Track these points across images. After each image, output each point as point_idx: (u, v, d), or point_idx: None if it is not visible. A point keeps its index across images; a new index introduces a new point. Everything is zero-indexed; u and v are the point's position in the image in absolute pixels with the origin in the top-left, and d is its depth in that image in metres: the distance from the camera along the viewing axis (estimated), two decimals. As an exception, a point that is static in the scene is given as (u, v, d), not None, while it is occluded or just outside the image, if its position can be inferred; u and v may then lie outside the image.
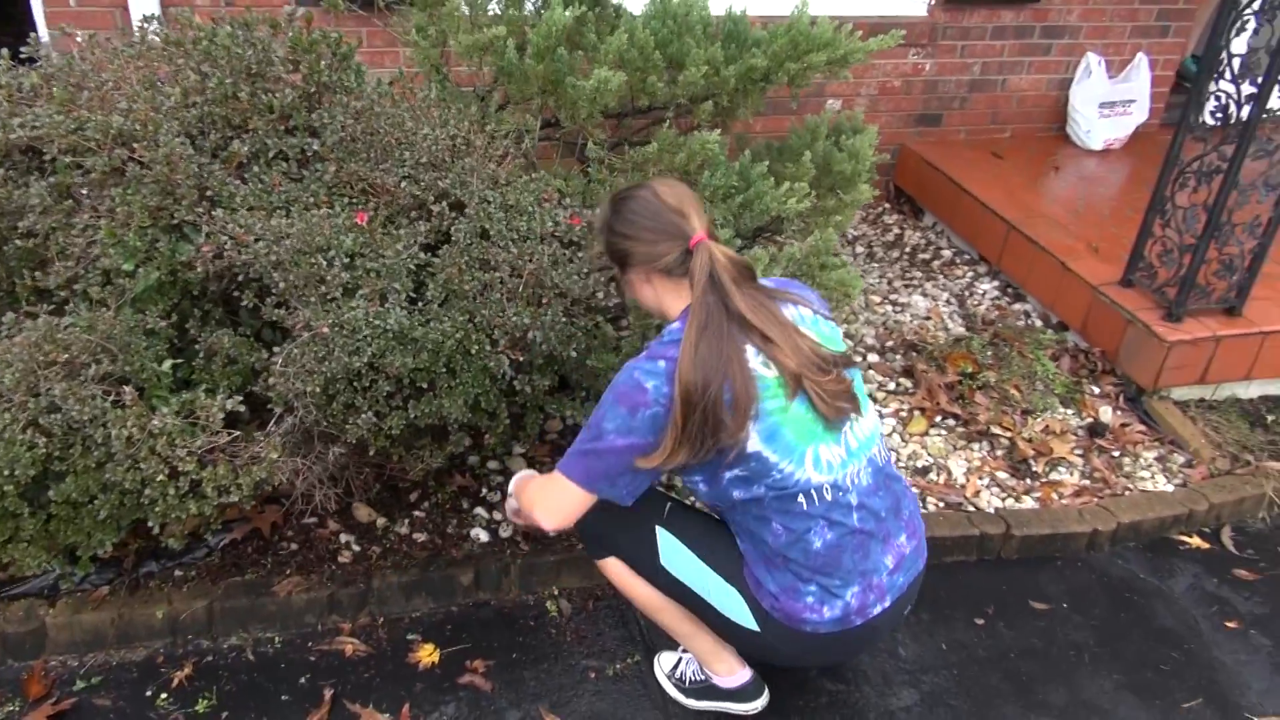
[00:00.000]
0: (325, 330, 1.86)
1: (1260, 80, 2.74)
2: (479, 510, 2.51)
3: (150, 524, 1.90)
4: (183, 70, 2.20)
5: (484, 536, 2.43)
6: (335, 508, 2.35)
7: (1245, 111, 2.79)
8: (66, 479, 1.84)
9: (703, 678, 2.14)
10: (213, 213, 1.94)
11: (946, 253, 4.04)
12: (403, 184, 2.11)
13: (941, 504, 2.73)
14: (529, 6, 2.76)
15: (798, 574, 1.75)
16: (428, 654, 2.21)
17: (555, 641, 2.27)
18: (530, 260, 2.12)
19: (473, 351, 2.03)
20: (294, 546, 2.35)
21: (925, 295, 3.70)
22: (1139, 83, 4.37)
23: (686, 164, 2.59)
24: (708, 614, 1.89)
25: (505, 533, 2.45)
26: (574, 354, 2.14)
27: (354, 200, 2.13)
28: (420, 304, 2.05)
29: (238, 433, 1.87)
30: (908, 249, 4.07)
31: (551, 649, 2.25)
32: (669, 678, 2.19)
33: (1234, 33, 2.78)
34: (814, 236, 2.73)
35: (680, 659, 2.20)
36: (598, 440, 1.70)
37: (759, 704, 2.11)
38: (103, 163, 1.96)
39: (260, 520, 2.34)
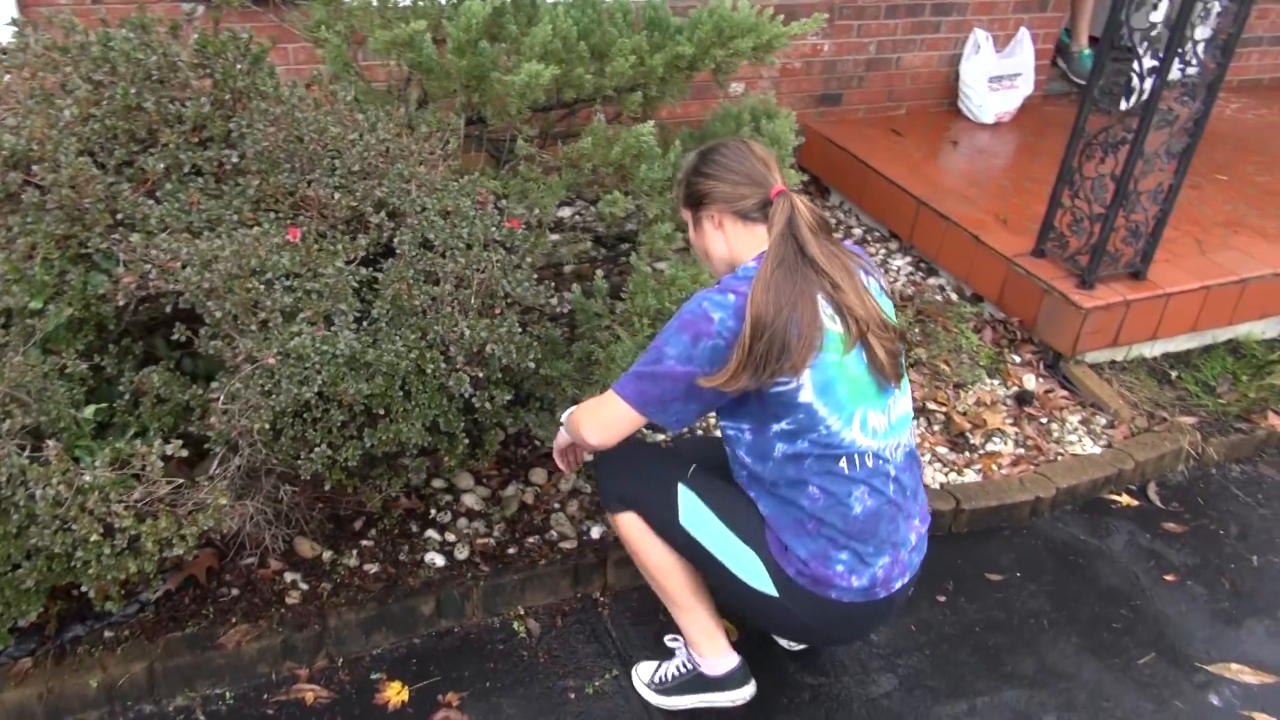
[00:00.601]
0: (271, 361, 1.71)
1: (1161, 54, 2.84)
2: (430, 533, 2.38)
3: (84, 588, 1.71)
4: (71, 80, 1.99)
5: (440, 561, 2.31)
6: (276, 546, 2.19)
7: (1148, 84, 2.89)
8: (-16, 548, 1.64)
9: (688, 669, 2.08)
10: (129, 238, 1.75)
11: (858, 231, 4.08)
12: (336, 195, 1.96)
13: (890, 484, 2.75)
14: (441, -2, 2.62)
15: (832, 539, 1.78)
16: (396, 693, 2.08)
17: (528, 664, 2.18)
18: (480, 269, 2.01)
19: (428, 371, 1.91)
20: (235, 591, 2.17)
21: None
22: (1024, 57, 4.51)
23: (622, 157, 2.51)
24: (722, 577, 1.89)
25: (462, 554, 2.33)
26: (532, 364, 2.05)
27: (282, 215, 1.97)
28: (367, 324, 1.91)
29: (180, 480, 1.71)
30: (819, 229, 4.09)
31: (526, 672, 2.16)
32: (649, 685, 2.13)
33: (1134, 8, 2.88)
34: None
35: (659, 665, 2.15)
36: (656, 364, 1.74)
37: (746, 692, 2.06)
38: (-6, 188, 1.75)
39: (195, 566, 2.16)
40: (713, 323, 1.70)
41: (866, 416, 1.77)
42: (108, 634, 2.04)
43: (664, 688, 2.11)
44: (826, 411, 1.73)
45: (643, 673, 2.16)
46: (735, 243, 1.86)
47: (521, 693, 2.11)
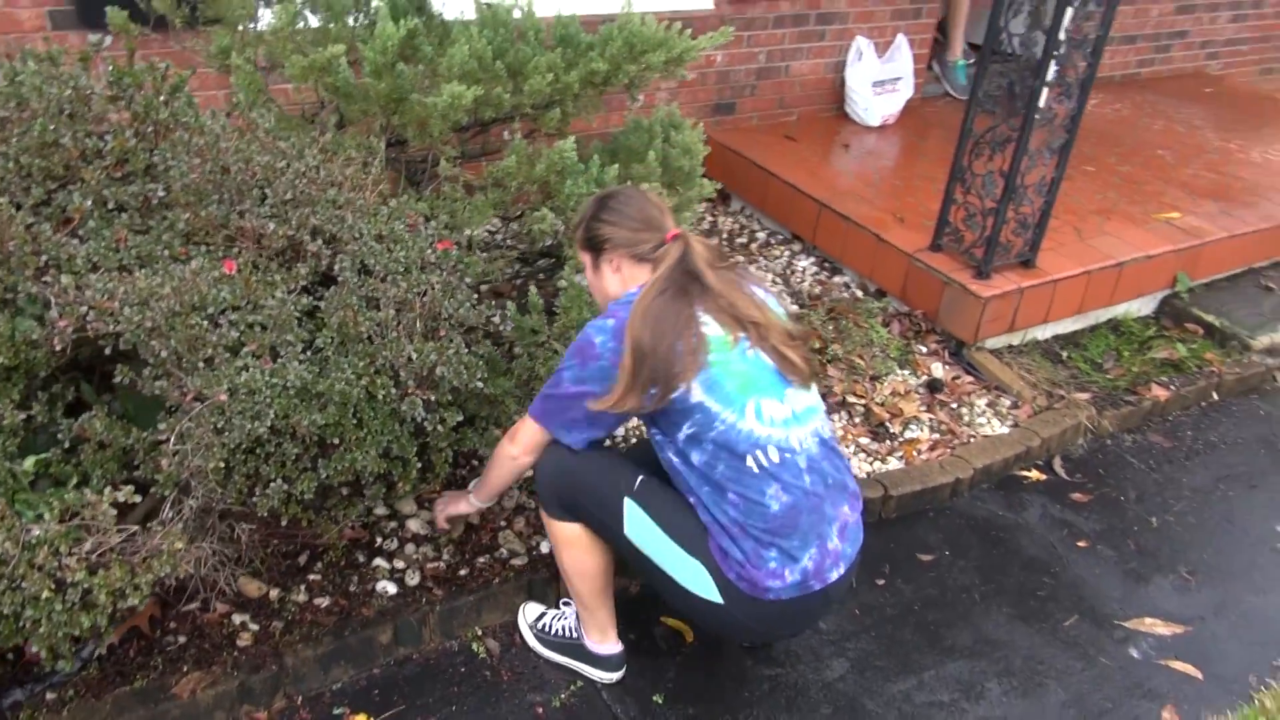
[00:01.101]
0: (223, 397, 1.67)
1: (1039, 56, 3.04)
2: (379, 562, 2.35)
3: (35, 648, 1.63)
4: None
5: (391, 589, 2.28)
6: (226, 588, 2.12)
7: (1030, 85, 3.09)
8: (-77, 615, 1.55)
9: (574, 635, 2.21)
10: (60, 281, 1.69)
11: (761, 235, 4.20)
12: (270, 225, 1.93)
13: (820, 477, 2.86)
14: (351, 21, 2.59)
15: (758, 539, 1.83)
16: (361, 725, 2.05)
17: (492, 683, 2.18)
18: (421, 292, 2.01)
19: (379, 397, 1.90)
20: (182, 639, 2.10)
21: (752, 278, 3.83)
22: (903, 61, 4.74)
23: (546, 174, 2.53)
24: (668, 586, 1.95)
25: (413, 580, 2.31)
26: (480, 383, 2.05)
27: (214, 248, 1.93)
28: (312, 354, 1.88)
29: (133, 528, 1.65)
30: (724, 235, 4.20)
31: (491, 692, 2.16)
32: (531, 628, 2.27)
33: (1012, 14, 3.07)
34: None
35: (546, 613, 2.28)
36: (556, 386, 1.92)
37: (616, 676, 2.21)
38: (-92, 236, 1.65)
39: (138, 618, 2.07)
40: (595, 345, 1.85)
41: (760, 406, 1.84)
42: (50, 696, 1.94)
43: (545, 638, 2.26)
44: (719, 407, 1.81)
45: (529, 612, 2.30)
46: (630, 284, 1.97)
47: (489, 713, 2.11)
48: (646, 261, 1.93)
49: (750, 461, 1.82)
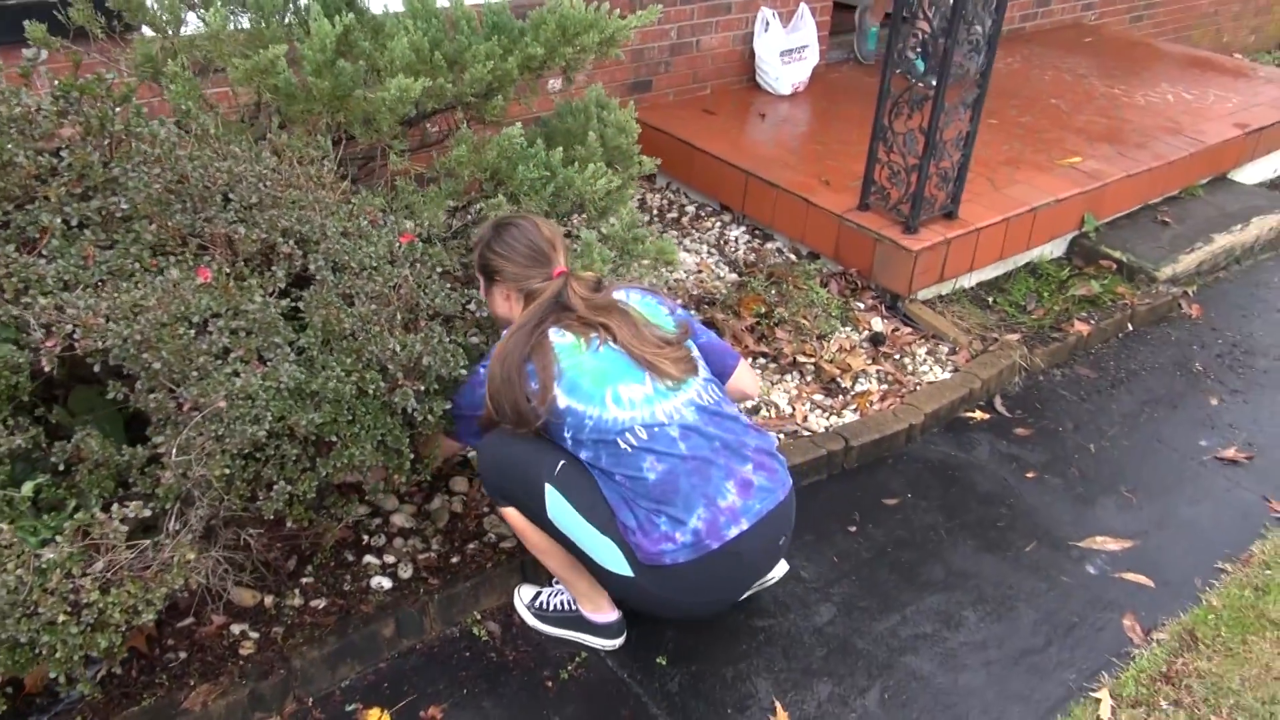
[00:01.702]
0: (222, 404, 1.66)
1: (950, 16, 3.18)
2: (369, 559, 2.35)
3: (54, 674, 1.61)
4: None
5: (386, 583, 2.29)
6: (219, 600, 2.10)
7: (942, 44, 3.23)
8: (-65, 653, 1.51)
9: (572, 608, 2.28)
10: (39, 301, 1.65)
11: (690, 208, 4.28)
12: (241, 229, 1.91)
13: (782, 435, 2.96)
14: (285, 19, 2.55)
15: (648, 509, 1.94)
16: (376, 718, 2.06)
17: (499, 664, 2.22)
18: (397, 286, 2.02)
19: (370, 391, 1.91)
20: (182, 654, 2.08)
21: (688, 251, 3.91)
22: (807, 30, 4.86)
23: (498, 161, 2.55)
24: (589, 564, 2.06)
25: (406, 573, 2.32)
26: (463, 371, 2.08)
27: (183, 258, 1.90)
28: (298, 354, 1.88)
29: (144, 543, 1.63)
30: (654, 211, 4.27)
31: (499, 671, 2.20)
32: (529, 607, 2.33)
33: (922, -23, 3.20)
34: (624, 211, 2.82)
35: (541, 592, 2.35)
36: (456, 407, 2.18)
37: (617, 642, 2.27)
38: (-128, 267, 1.59)
39: (135, 637, 2.04)
40: (479, 375, 2.10)
41: (618, 392, 1.97)
42: (55, 726, 1.90)
43: (543, 615, 2.31)
44: (582, 406, 1.96)
45: (524, 594, 2.36)
46: (515, 311, 2.14)
47: (500, 693, 2.15)
48: (534, 293, 2.10)
49: (622, 444, 1.95)
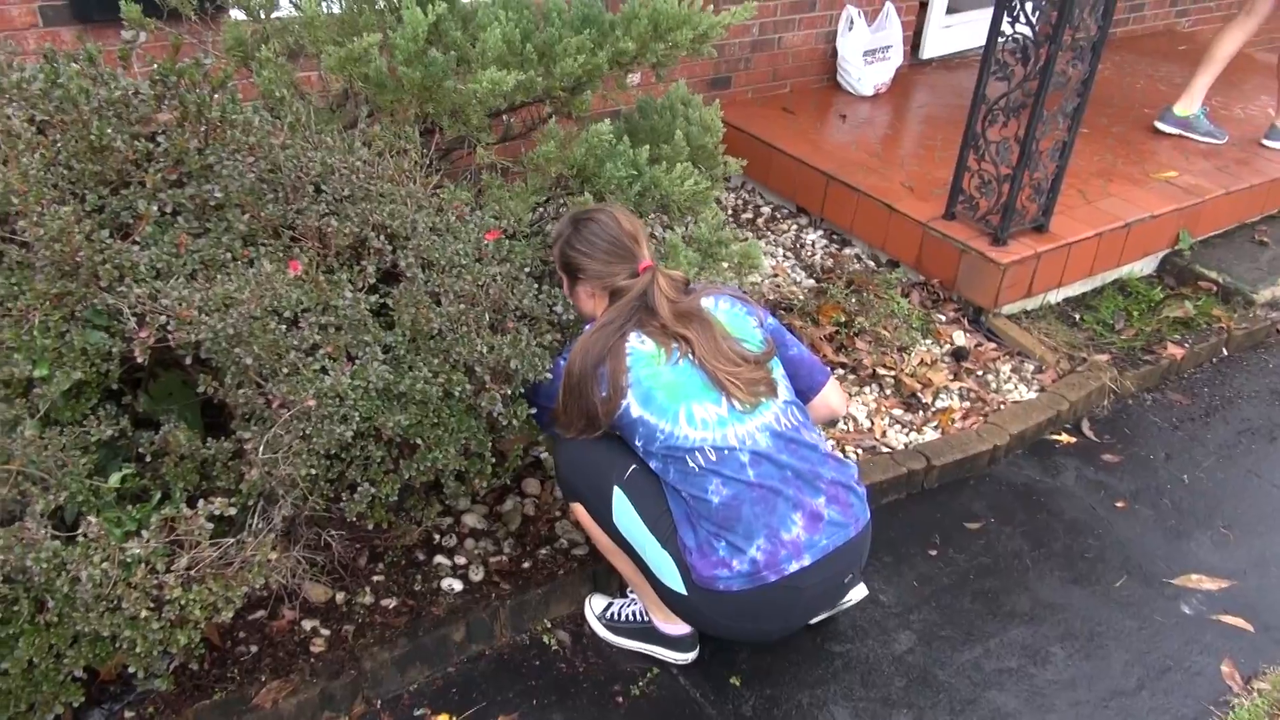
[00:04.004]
0: (311, 403, 1.62)
1: (1054, 21, 3.05)
2: (440, 559, 2.32)
3: (132, 669, 1.59)
4: (11, 123, 1.81)
5: (457, 585, 2.25)
6: (297, 596, 2.08)
7: (1043, 50, 3.10)
8: (20, 643, 1.50)
9: (644, 619, 2.22)
10: (134, 290, 1.62)
11: (766, 209, 4.19)
12: (333, 222, 1.87)
13: (859, 450, 2.87)
14: (376, 4, 2.52)
15: (711, 532, 1.89)
16: (445, 725, 2.03)
17: (569, 675, 2.17)
18: (485, 285, 1.96)
19: (455, 394, 1.86)
20: (254, 648, 2.06)
21: (764, 254, 3.82)
22: (893, 29, 4.73)
23: (585, 158, 2.49)
24: (647, 574, 2.03)
25: (477, 576, 2.28)
26: (547, 374, 2.02)
27: (272, 249, 1.86)
28: (384, 352, 1.84)
29: (228, 541, 1.60)
30: (730, 211, 4.18)
31: (569, 683, 2.14)
32: (599, 618, 2.27)
33: (1026, -20, 3.07)
34: (708, 213, 2.74)
35: (613, 603, 2.29)
36: (536, 394, 2.11)
37: (689, 656, 2.20)
38: (-29, 250, 1.58)
39: (208, 628, 2.02)
40: (557, 366, 2.04)
41: (692, 410, 1.91)
42: (129, 714, 1.89)
43: (615, 626, 2.25)
44: (655, 419, 1.91)
45: (596, 604, 2.30)
46: (600, 308, 2.07)
47: (570, 705, 2.10)
48: (616, 291, 2.03)
49: (690, 463, 1.90)
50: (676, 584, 1.94)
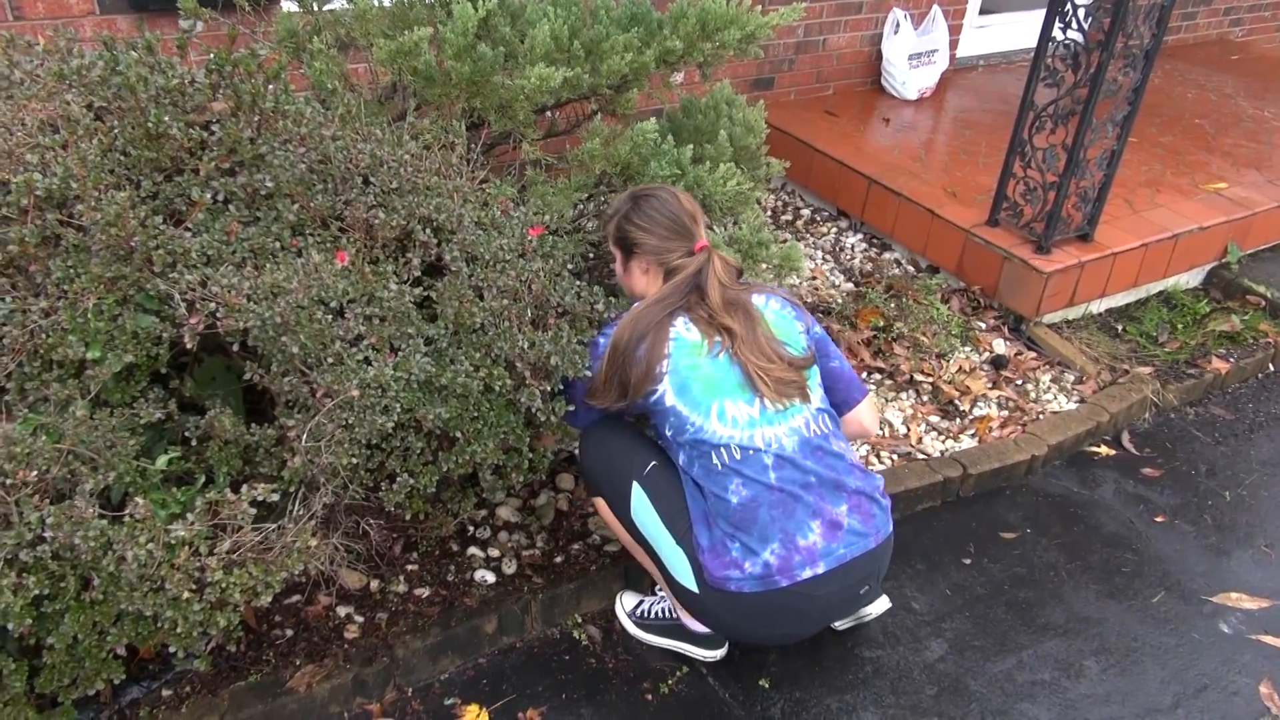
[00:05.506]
0: (355, 393, 1.64)
1: (1107, 28, 3.01)
2: (472, 550, 2.33)
3: (172, 648, 1.61)
4: (71, 109, 1.84)
5: (490, 577, 2.27)
6: (333, 582, 2.11)
7: (1095, 57, 3.06)
8: (65, 619, 1.53)
9: (673, 616, 2.21)
10: (185, 276, 1.65)
11: (806, 212, 4.17)
12: (381, 214, 1.89)
13: (895, 456, 2.85)
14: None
15: (726, 531, 1.89)
16: (474, 716, 2.04)
17: (599, 670, 2.17)
18: (528, 281, 1.98)
19: (496, 389, 1.87)
20: (289, 632, 2.09)
21: (803, 256, 3.80)
22: (939, 33, 4.69)
23: (629, 156, 2.50)
24: (662, 570, 2.03)
25: (510, 568, 2.30)
26: (587, 373, 2.03)
27: (322, 239, 1.89)
28: (426, 344, 1.85)
29: (270, 526, 1.62)
30: (769, 212, 4.17)
31: (598, 679, 2.15)
32: (629, 615, 2.27)
33: (1079, -14, 3.03)
34: (750, 214, 2.74)
35: (644, 600, 2.28)
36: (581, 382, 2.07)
37: (718, 653, 2.19)
38: (30, 233, 1.61)
39: (246, 611, 2.06)
40: (599, 346, 2.02)
41: (724, 408, 1.91)
42: (166, 693, 1.93)
43: (644, 623, 2.25)
44: (687, 410, 1.92)
45: (626, 602, 2.29)
46: (653, 287, 2.06)
47: (600, 699, 2.11)
48: (674, 269, 2.02)
49: (715, 459, 1.90)
50: (689, 581, 1.95)
